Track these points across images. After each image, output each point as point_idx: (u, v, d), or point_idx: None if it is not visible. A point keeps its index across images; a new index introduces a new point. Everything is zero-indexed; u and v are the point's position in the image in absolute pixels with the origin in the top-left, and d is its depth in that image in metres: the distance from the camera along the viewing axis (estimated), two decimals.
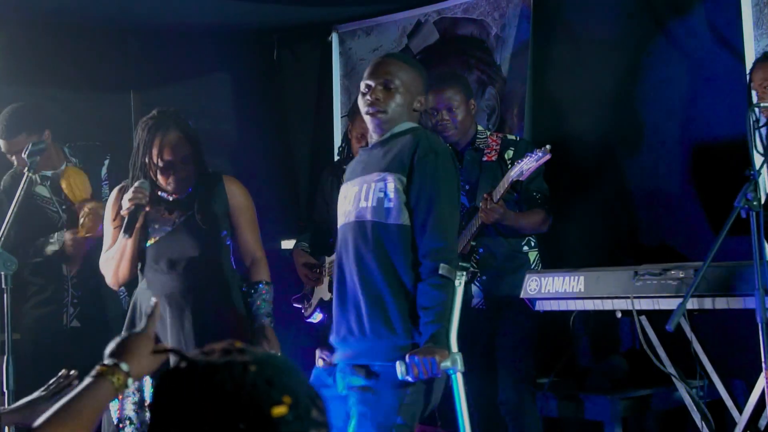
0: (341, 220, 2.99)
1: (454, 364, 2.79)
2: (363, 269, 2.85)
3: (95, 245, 4.06)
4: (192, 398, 1.26)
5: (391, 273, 2.83)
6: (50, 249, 4.20)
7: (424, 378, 2.73)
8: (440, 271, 2.75)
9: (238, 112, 5.91)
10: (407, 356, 2.73)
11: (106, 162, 4.34)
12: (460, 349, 4.03)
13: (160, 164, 3.38)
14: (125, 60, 5.43)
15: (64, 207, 4.23)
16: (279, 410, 1.24)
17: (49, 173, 4.23)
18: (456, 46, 5.18)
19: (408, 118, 2.96)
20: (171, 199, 3.49)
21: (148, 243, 3.48)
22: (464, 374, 4.07)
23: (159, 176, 3.41)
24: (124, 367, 1.63)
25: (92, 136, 4.53)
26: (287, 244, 5.60)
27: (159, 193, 3.48)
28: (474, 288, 3.96)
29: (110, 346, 1.68)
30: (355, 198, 2.92)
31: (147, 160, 3.39)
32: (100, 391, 1.59)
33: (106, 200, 4.23)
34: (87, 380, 1.61)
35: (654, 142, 4.54)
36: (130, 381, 1.64)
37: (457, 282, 2.80)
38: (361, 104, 2.96)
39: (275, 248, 5.74)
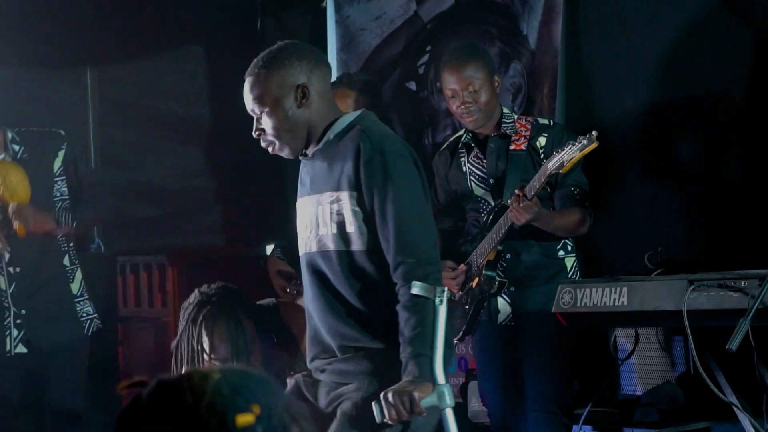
0: (302, 248, 3.07)
1: (441, 399, 2.74)
2: (331, 306, 2.95)
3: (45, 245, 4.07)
4: (145, 418, 1.30)
5: (364, 306, 2.92)
6: None
7: (406, 419, 2.74)
8: (413, 291, 2.79)
9: (214, 92, 5.91)
10: (381, 396, 2.75)
11: (61, 153, 4.19)
12: (486, 373, 4.07)
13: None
14: (80, 29, 5.36)
15: None
16: (245, 419, 1.28)
17: None
18: (474, 12, 5.17)
19: (327, 113, 2.96)
20: None
21: None
22: (490, 405, 4.08)
23: None
24: None
25: (40, 121, 4.45)
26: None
27: None
28: (501, 301, 3.98)
29: None
30: (312, 222, 3.00)
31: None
32: None
33: (57, 199, 4.14)
34: None
35: (715, 126, 4.47)
36: None
37: (437, 300, 2.79)
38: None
39: (262, 254, 5.68)
